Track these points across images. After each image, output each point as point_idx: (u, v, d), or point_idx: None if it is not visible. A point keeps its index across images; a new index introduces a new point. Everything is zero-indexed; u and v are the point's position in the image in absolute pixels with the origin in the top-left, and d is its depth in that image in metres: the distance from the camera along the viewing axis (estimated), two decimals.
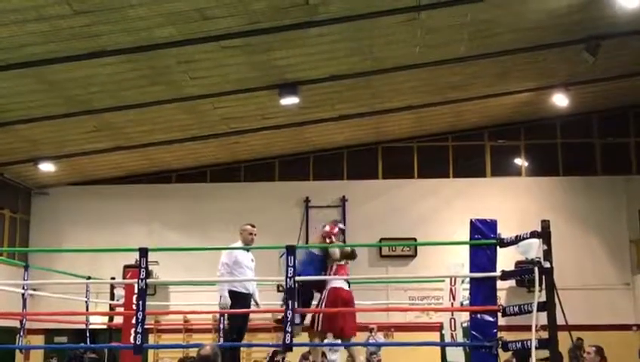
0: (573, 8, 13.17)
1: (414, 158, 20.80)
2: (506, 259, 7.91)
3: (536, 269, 6.76)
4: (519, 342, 6.90)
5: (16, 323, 11.05)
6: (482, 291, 7.18)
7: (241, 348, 10.49)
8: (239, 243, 9.73)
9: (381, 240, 18.65)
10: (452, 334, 10.74)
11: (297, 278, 7.38)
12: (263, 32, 12.25)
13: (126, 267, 15.60)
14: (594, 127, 20.76)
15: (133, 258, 11.49)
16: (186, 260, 18.31)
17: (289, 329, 7.14)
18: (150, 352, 18.51)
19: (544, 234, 6.84)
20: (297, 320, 8.89)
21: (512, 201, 19.46)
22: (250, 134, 18.16)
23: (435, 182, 20.38)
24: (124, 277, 14.86)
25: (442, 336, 12.09)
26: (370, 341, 15.89)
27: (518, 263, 12.80)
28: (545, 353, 6.83)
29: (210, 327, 16.79)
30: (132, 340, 7.60)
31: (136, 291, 7.96)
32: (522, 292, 15.74)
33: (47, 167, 18.46)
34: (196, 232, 19.46)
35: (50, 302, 14.69)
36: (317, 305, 9.07)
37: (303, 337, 9.20)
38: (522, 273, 7.48)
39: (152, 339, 18.38)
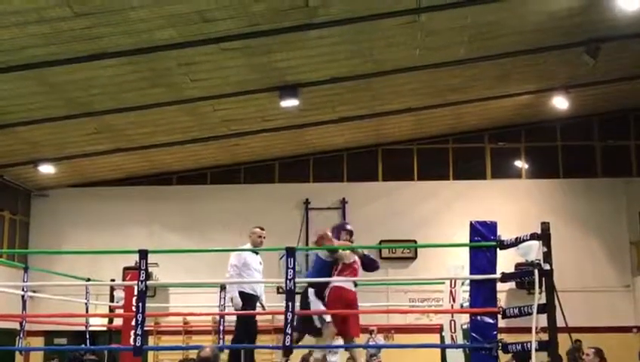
0: (574, 11, 13.18)
1: (414, 160, 20.80)
2: (506, 261, 7.92)
3: (536, 271, 6.75)
4: (519, 343, 6.89)
5: (16, 325, 11.04)
6: (482, 293, 7.17)
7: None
8: (248, 246, 9.73)
9: (381, 242, 18.64)
10: (452, 336, 10.75)
11: (297, 280, 7.37)
12: (263, 34, 12.26)
13: (126, 269, 15.60)
14: (594, 130, 20.77)
15: (132, 260, 11.48)
16: (185, 262, 18.32)
17: (289, 332, 7.13)
18: (150, 354, 18.51)
19: (544, 236, 6.84)
20: (319, 324, 8.94)
21: (512, 203, 19.47)
22: (250, 136, 18.17)
23: (435, 185, 20.39)
24: (123, 279, 14.86)
25: (442, 338, 12.09)
26: (370, 343, 15.88)
27: (518, 265, 12.87)
28: (545, 355, 6.83)
29: (209, 329, 16.80)
30: (132, 342, 7.60)
31: (136, 293, 7.96)
32: (522, 294, 15.78)
33: (47, 169, 18.46)
34: (196, 234, 19.47)
35: (49, 304, 14.73)
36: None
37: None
38: (522, 275, 7.48)
39: (151, 341, 18.39)
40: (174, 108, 15.53)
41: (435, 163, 20.75)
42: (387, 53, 14.26)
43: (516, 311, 7.01)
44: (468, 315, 7.85)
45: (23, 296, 10.50)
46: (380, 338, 16.78)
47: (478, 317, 7.14)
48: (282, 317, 7.25)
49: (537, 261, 6.83)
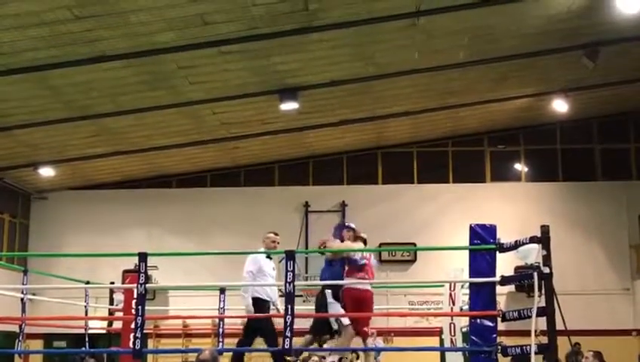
0: (573, 14, 13.19)
1: (414, 164, 20.81)
2: (505, 264, 7.92)
3: (535, 274, 6.76)
4: (518, 347, 6.89)
5: (16, 328, 11.03)
6: (482, 296, 7.17)
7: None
8: (262, 251, 9.72)
9: (381, 245, 18.63)
10: (452, 339, 10.75)
11: (297, 282, 7.38)
12: (262, 37, 12.27)
13: (125, 272, 15.58)
14: (594, 133, 20.79)
15: (132, 263, 11.48)
16: (185, 265, 18.31)
17: (289, 335, 7.14)
18: (149, 357, 18.50)
19: (543, 239, 6.84)
20: (335, 325, 8.97)
21: (512, 207, 19.47)
22: (250, 139, 18.17)
23: (435, 188, 20.39)
24: (123, 282, 14.85)
25: (442, 341, 12.10)
26: (370, 346, 15.86)
27: (517, 268, 12.88)
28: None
29: (209, 332, 16.79)
30: (131, 345, 7.59)
31: (135, 296, 7.96)
32: (522, 297, 15.74)
33: (47, 172, 18.46)
34: (196, 237, 19.45)
35: (49, 307, 14.72)
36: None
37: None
38: (522, 278, 7.49)
39: (151, 344, 18.38)
40: (174, 111, 15.53)
41: (434, 166, 20.77)
42: (387, 57, 14.27)
43: (516, 314, 7.00)
44: (467, 318, 7.85)
45: (22, 299, 10.50)
46: (379, 341, 16.75)
47: (478, 320, 7.14)
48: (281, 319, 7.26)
49: (537, 264, 6.84)
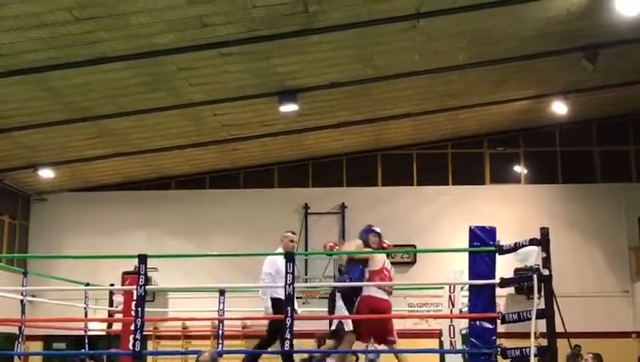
0: (572, 16, 13.20)
1: (414, 166, 20.81)
2: (505, 266, 7.93)
3: (535, 276, 6.77)
4: (518, 349, 6.90)
5: (15, 330, 11.04)
6: (481, 298, 7.18)
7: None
8: (280, 250, 9.70)
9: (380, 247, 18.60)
10: (451, 341, 10.76)
11: (297, 285, 7.39)
12: (262, 39, 12.28)
13: (125, 273, 15.61)
14: (593, 135, 20.79)
15: (132, 264, 11.51)
16: (185, 267, 18.32)
17: (288, 337, 7.14)
18: (149, 359, 18.47)
19: (543, 241, 6.85)
20: (342, 326, 8.95)
21: (511, 209, 19.47)
22: (249, 141, 18.18)
23: (435, 190, 20.39)
24: (123, 284, 14.87)
25: (441, 343, 12.09)
26: (370, 347, 15.85)
27: (517, 270, 12.86)
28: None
29: (208, 334, 16.78)
30: (131, 346, 7.60)
31: (135, 297, 7.97)
32: (521, 299, 15.77)
33: (46, 174, 18.46)
34: (195, 239, 19.46)
35: (48, 309, 14.71)
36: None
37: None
38: (521, 280, 7.49)
39: (150, 346, 18.38)
40: (174, 113, 15.54)
41: (434, 168, 20.77)
42: (386, 59, 14.28)
43: (515, 316, 7.01)
44: (467, 320, 7.86)
45: (22, 301, 10.51)
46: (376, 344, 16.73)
47: (477, 323, 7.14)
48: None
49: (536, 266, 6.84)
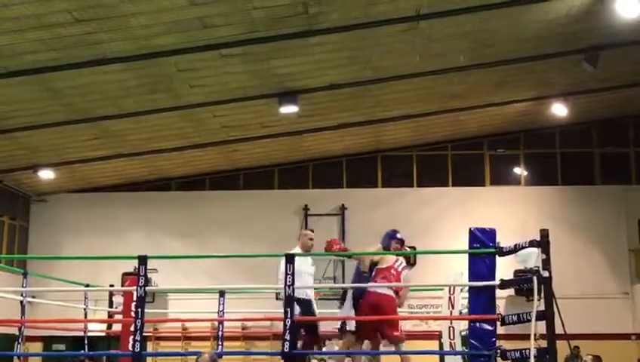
0: (572, 18, 13.21)
1: (414, 167, 20.82)
2: (504, 267, 7.93)
3: (534, 278, 6.77)
4: (518, 350, 6.90)
5: (15, 330, 11.03)
6: (481, 300, 7.18)
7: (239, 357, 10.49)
8: (298, 249, 9.68)
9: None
10: (451, 343, 10.74)
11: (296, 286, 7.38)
12: (262, 40, 12.29)
13: (125, 274, 15.61)
14: (593, 137, 20.79)
15: (132, 265, 11.51)
16: (185, 268, 18.31)
17: (288, 338, 7.14)
18: (149, 360, 18.41)
19: (543, 243, 6.86)
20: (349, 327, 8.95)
21: (511, 210, 19.47)
22: (249, 142, 18.19)
23: (435, 191, 20.39)
24: (122, 285, 14.86)
25: (441, 345, 12.08)
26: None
27: (517, 272, 12.85)
28: None
29: (208, 335, 16.78)
30: (130, 347, 7.59)
31: (135, 298, 7.96)
32: (521, 301, 15.75)
33: (46, 174, 18.46)
34: (195, 240, 19.46)
35: (48, 309, 14.68)
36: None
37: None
38: (521, 282, 7.49)
39: (150, 347, 18.36)
40: (174, 114, 15.55)
41: (434, 169, 20.77)
42: (386, 60, 14.29)
43: (515, 318, 7.01)
44: (467, 322, 7.86)
45: (21, 302, 10.50)
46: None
47: (477, 324, 7.15)
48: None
49: (536, 268, 6.85)
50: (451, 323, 10.52)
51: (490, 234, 7.31)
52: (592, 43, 14.36)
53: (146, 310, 7.49)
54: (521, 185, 20.94)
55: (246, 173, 20.76)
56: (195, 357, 5.68)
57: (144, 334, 7.58)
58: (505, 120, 19.39)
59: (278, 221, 19.74)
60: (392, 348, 9.13)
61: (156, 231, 19.81)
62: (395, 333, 8.88)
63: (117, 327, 12.55)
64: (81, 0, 10.37)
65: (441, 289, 10.99)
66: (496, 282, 7.17)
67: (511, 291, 15.87)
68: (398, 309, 9.30)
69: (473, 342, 7.12)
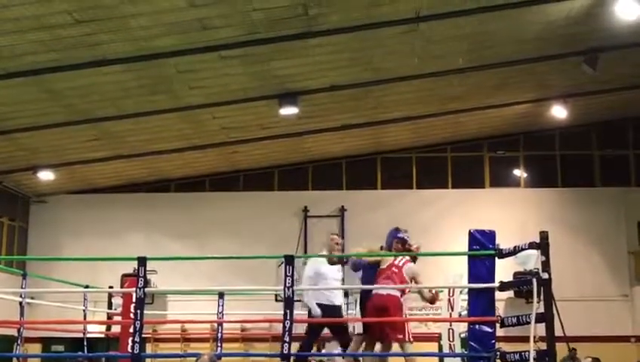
0: (572, 20, 13.22)
1: (413, 169, 20.82)
2: (504, 269, 7.92)
3: (534, 280, 6.77)
4: (517, 353, 6.90)
5: (14, 332, 11.04)
6: (481, 302, 7.19)
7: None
8: (325, 252, 9.69)
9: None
10: (450, 345, 10.76)
11: (295, 287, 7.38)
12: (262, 42, 12.28)
13: (124, 276, 15.59)
14: (593, 139, 20.79)
15: (131, 267, 11.50)
16: (184, 269, 18.30)
17: (287, 340, 7.14)
18: (148, 361, 18.47)
19: (542, 245, 6.86)
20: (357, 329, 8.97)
21: (511, 212, 19.46)
22: (249, 144, 18.18)
23: (434, 193, 20.39)
24: (122, 286, 14.86)
25: (440, 347, 12.09)
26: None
27: (516, 274, 12.87)
28: None
29: (207, 336, 16.78)
30: (130, 349, 7.60)
31: (134, 300, 7.97)
32: (521, 303, 15.75)
33: (46, 176, 18.45)
34: (195, 241, 19.45)
35: (47, 311, 14.69)
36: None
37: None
38: (521, 284, 7.50)
39: (149, 348, 18.36)
40: (174, 116, 15.55)
41: (433, 171, 20.76)
42: (386, 62, 14.29)
43: (514, 320, 7.02)
44: (466, 324, 7.86)
45: (21, 303, 10.51)
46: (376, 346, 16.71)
47: (477, 326, 7.15)
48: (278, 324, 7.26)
49: (536, 270, 6.85)
50: (451, 325, 10.54)
51: (490, 236, 7.32)
52: (591, 45, 14.36)
53: (145, 311, 7.49)
54: (521, 187, 20.94)
55: (246, 175, 20.76)
56: (195, 358, 5.68)
57: (143, 335, 7.58)
58: (504, 122, 19.39)
59: (278, 222, 19.75)
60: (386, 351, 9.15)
61: (156, 232, 19.80)
62: (399, 336, 8.88)
63: (116, 329, 12.57)
64: (81, 1, 10.37)
65: (441, 291, 11.00)
66: (496, 284, 7.17)
67: (510, 293, 15.88)
68: (437, 302, 9.27)
69: (472, 344, 7.13)
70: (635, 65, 15.93)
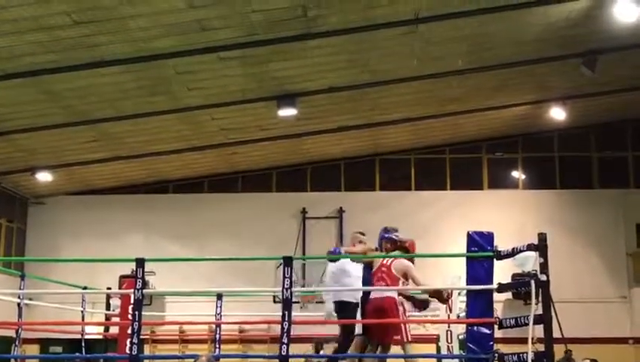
0: (571, 22, 13.23)
1: (412, 170, 20.81)
2: (502, 271, 7.92)
3: (532, 282, 6.77)
4: (515, 354, 6.90)
5: (12, 333, 11.03)
6: (479, 303, 7.19)
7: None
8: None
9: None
10: (448, 346, 10.76)
11: (294, 289, 7.38)
12: (261, 43, 12.29)
13: (122, 277, 15.58)
14: (591, 141, 20.80)
15: (129, 268, 11.49)
16: (182, 270, 18.28)
17: (285, 341, 7.13)
18: None
19: (541, 246, 6.86)
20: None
21: (509, 214, 19.47)
22: (248, 145, 18.18)
23: (433, 195, 20.39)
24: (120, 287, 14.85)
25: (439, 348, 12.09)
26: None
27: (514, 276, 12.87)
28: None
29: (206, 338, 16.78)
30: (128, 350, 7.60)
31: (132, 301, 7.96)
32: (519, 304, 15.65)
33: (44, 177, 18.43)
34: (193, 243, 19.44)
35: (45, 312, 14.70)
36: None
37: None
38: (519, 285, 7.50)
39: (147, 350, 18.35)
40: (172, 117, 15.54)
41: (432, 173, 20.75)
42: (385, 64, 14.29)
43: (513, 321, 7.02)
44: (464, 325, 7.86)
45: (19, 304, 10.50)
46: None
47: (475, 328, 7.15)
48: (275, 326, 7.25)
49: (534, 271, 6.85)
50: (449, 326, 10.54)
51: (488, 237, 7.32)
52: (590, 47, 14.37)
53: (143, 313, 7.48)
54: (520, 188, 20.94)
55: (244, 176, 20.75)
56: (193, 359, 5.68)
57: (141, 337, 7.58)
58: (503, 123, 19.40)
59: (277, 224, 19.74)
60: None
61: (154, 233, 19.80)
62: (395, 337, 8.88)
63: (114, 330, 12.56)
64: (80, 2, 10.37)
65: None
66: (494, 286, 7.17)
67: (509, 294, 15.84)
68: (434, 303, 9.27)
69: (471, 345, 7.13)
70: (634, 67, 15.94)
